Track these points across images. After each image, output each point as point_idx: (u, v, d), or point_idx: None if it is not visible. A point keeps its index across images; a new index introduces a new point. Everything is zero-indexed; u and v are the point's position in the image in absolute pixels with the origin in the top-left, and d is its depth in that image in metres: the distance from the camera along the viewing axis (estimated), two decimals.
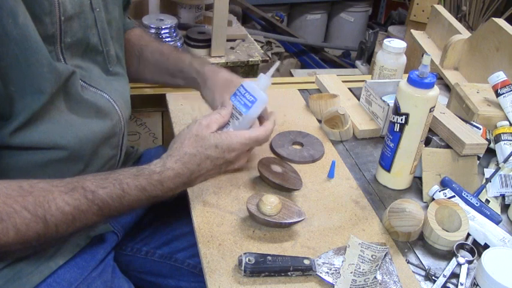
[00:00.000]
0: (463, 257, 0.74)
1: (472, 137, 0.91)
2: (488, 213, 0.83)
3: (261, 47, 2.19)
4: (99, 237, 0.83)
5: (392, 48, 1.14)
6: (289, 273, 0.69)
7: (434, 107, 0.82)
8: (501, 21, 1.22)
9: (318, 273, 0.69)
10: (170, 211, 0.98)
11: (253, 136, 0.77)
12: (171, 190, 0.69)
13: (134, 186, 0.66)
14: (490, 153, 0.98)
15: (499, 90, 1.04)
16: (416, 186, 0.92)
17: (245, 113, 0.78)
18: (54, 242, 0.67)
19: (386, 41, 1.15)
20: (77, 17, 0.70)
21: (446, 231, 0.78)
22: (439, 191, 0.86)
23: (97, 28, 0.75)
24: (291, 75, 2.42)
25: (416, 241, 0.79)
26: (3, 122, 0.63)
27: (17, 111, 0.63)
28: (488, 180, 0.90)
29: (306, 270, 0.69)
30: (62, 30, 0.67)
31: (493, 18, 1.23)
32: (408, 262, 0.75)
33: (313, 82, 1.26)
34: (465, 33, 1.37)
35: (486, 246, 0.77)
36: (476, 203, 0.84)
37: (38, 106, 0.64)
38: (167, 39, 1.71)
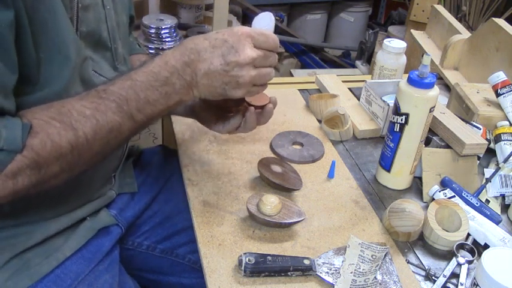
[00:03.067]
0: (463, 257, 0.74)
1: (472, 137, 0.91)
2: (488, 213, 0.83)
3: None
4: (104, 230, 0.84)
5: (392, 48, 1.14)
6: (289, 273, 0.69)
7: (434, 107, 0.82)
8: (501, 21, 1.22)
9: (318, 273, 0.69)
10: (171, 205, 0.98)
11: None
12: (176, 70, 0.67)
13: (141, 72, 0.66)
14: (490, 153, 0.98)
15: (499, 90, 1.04)
16: (416, 186, 0.92)
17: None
18: (88, 164, 0.65)
19: (386, 41, 1.15)
20: (92, 9, 0.71)
21: (446, 231, 0.78)
22: (439, 191, 0.86)
23: (107, 24, 0.76)
24: (291, 75, 2.43)
25: (416, 241, 0.79)
26: (30, 88, 0.63)
27: (43, 80, 0.63)
28: (488, 180, 0.90)
29: (306, 270, 0.69)
30: (78, 18, 0.68)
31: (493, 18, 1.23)
32: (408, 262, 0.75)
33: (313, 82, 1.26)
34: (465, 33, 1.37)
35: (486, 246, 0.77)
36: (476, 203, 0.84)
37: (63, 75, 0.64)
38: (167, 39, 1.71)
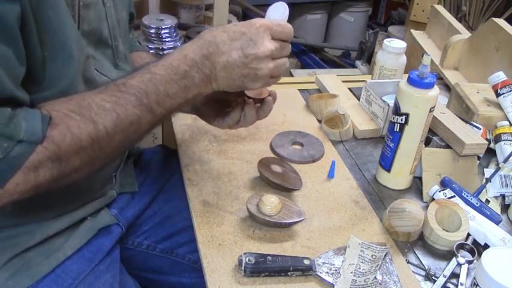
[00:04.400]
0: (463, 257, 0.74)
1: (472, 137, 0.91)
2: (488, 213, 0.83)
3: None
4: (105, 229, 0.84)
5: (392, 48, 1.14)
6: (289, 273, 0.69)
7: (434, 107, 0.82)
8: (501, 21, 1.22)
9: (318, 273, 0.69)
10: (171, 205, 0.98)
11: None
12: (195, 64, 0.67)
13: (160, 66, 0.66)
14: (490, 153, 0.98)
15: (499, 90, 1.04)
16: (416, 186, 0.92)
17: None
18: (108, 158, 0.65)
19: (386, 41, 1.15)
20: (93, 7, 0.71)
21: (446, 231, 0.78)
22: (439, 191, 0.86)
23: (107, 22, 0.76)
24: (291, 75, 2.42)
25: (416, 241, 0.79)
26: (36, 87, 0.63)
27: (48, 78, 0.63)
28: (488, 180, 0.90)
29: (306, 270, 0.69)
30: (80, 16, 0.68)
31: (493, 18, 1.23)
32: (408, 262, 0.75)
33: (313, 82, 1.26)
34: (465, 33, 1.37)
35: (486, 246, 0.77)
36: (476, 203, 0.84)
37: (67, 73, 0.64)
38: (167, 39, 1.71)
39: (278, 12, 0.73)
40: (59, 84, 0.64)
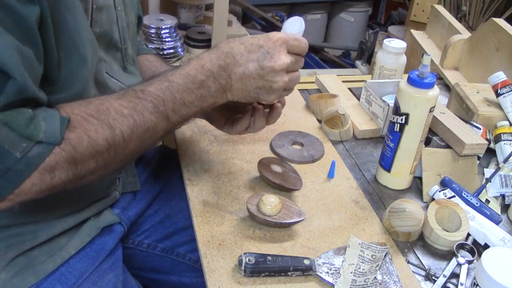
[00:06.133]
0: (463, 257, 0.74)
1: (472, 137, 0.91)
2: (488, 213, 0.83)
3: None
4: (108, 228, 0.84)
5: (392, 48, 1.14)
6: (289, 273, 0.69)
7: (434, 107, 0.82)
8: (501, 21, 1.22)
9: (318, 273, 0.69)
10: (171, 204, 0.98)
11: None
12: (212, 74, 0.68)
13: (178, 74, 0.67)
14: (490, 153, 0.98)
15: (499, 90, 1.04)
16: (416, 186, 0.92)
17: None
18: (123, 162, 0.66)
19: (386, 41, 1.15)
20: (105, 10, 0.72)
21: (446, 231, 0.78)
22: (439, 191, 0.86)
23: (118, 25, 0.77)
24: None
25: (416, 241, 0.79)
26: (50, 88, 0.63)
27: (63, 80, 0.64)
28: (488, 180, 0.90)
29: (306, 270, 0.69)
30: (92, 19, 0.69)
31: (493, 18, 1.23)
32: (408, 262, 0.75)
33: (313, 82, 1.26)
34: (465, 33, 1.37)
35: (486, 246, 0.77)
36: (476, 203, 0.84)
37: (81, 75, 0.65)
38: (167, 39, 1.71)
39: (295, 27, 0.75)
40: (72, 86, 0.65)
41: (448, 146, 0.93)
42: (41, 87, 0.60)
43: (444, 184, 0.88)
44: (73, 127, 0.58)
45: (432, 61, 1.37)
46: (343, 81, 1.24)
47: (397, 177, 0.89)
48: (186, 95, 0.67)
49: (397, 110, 0.83)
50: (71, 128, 0.58)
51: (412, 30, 1.67)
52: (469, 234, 0.79)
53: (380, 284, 0.69)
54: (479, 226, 0.79)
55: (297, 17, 0.77)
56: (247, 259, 0.68)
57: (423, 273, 0.73)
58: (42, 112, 0.57)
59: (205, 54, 0.70)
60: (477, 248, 0.76)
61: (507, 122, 1.01)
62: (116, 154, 0.62)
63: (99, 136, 0.60)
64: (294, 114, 1.10)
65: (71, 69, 0.64)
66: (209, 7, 2.00)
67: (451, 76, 1.33)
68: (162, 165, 1.04)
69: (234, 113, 0.84)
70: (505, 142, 0.97)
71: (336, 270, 0.70)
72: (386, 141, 0.88)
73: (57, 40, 0.61)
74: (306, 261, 0.70)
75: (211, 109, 0.86)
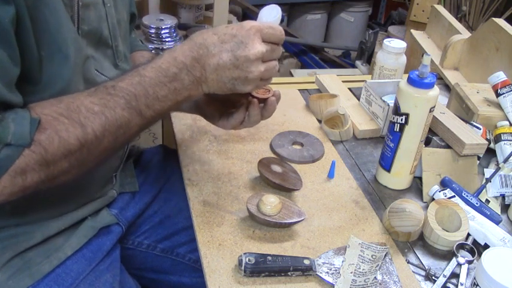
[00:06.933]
0: (463, 257, 0.74)
1: (472, 137, 0.91)
2: (488, 213, 0.83)
3: None
4: (105, 229, 0.84)
5: (392, 48, 1.14)
6: (289, 273, 0.69)
7: (434, 107, 0.82)
8: (501, 21, 1.21)
9: (318, 273, 0.69)
10: (171, 205, 0.98)
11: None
12: (185, 66, 0.67)
13: (150, 68, 0.66)
14: (490, 153, 0.98)
15: (499, 90, 1.04)
16: (416, 186, 0.92)
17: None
18: (97, 160, 0.65)
19: (386, 41, 1.15)
20: (93, 7, 0.71)
21: (446, 231, 0.78)
22: (439, 191, 0.86)
23: (107, 22, 0.76)
24: (291, 75, 2.42)
25: (416, 241, 0.79)
26: (32, 88, 0.63)
27: (45, 79, 0.63)
28: (488, 180, 0.90)
29: (306, 270, 0.69)
30: (79, 16, 0.68)
31: (493, 18, 1.23)
32: (408, 262, 0.75)
33: (313, 82, 1.26)
34: (465, 33, 1.37)
35: (486, 246, 0.77)
36: (476, 203, 0.84)
37: (63, 74, 0.64)
38: (167, 39, 1.71)
39: (270, 15, 0.73)
40: (55, 85, 0.64)
41: (448, 146, 0.93)
42: (21, 88, 0.60)
43: (444, 184, 0.88)
44: (43, 128, 0.58)
45: (432, 61, 1.37)
46: (343, 81, 1.24)
47: (397, 177, 0.89)
48: (159, 89, 0.65)
49: (397, 110, 0.83)
50: (41, 129, 0.57)
51: (412, 30, 1.67)
52: (469, 234, 0.79)
53: (380, 284, 0.69)
54: (479, 226, 0.79)
55: (273, 4, 0.74)
56: (247, 259, 0.68)
57: (423, 273, 0.73)
58: (12, 114, 0.56)
59: (178, 47, 0.69)
60: (477, 248, 0.76)
61: (507, 122, 1.01)
62: (89, 153, 0.62)
63: (70, 135, 0.59)
64: (294, 114, 1.10)
65: (53, 69, 0.63)
66: (209, 7, 2.00)
67: (451, 76, 1.32)
68: (161, 165, 1.04)
69: (229, 107, 0.83)
70: (505, 142, 0.97)
71: (336, 270, 0.70)
72: (386, 141, 0.88)
73: (38, 39, 0.60)
74: (306, 261, 0.70)
75: (204, 104, 0.86)
